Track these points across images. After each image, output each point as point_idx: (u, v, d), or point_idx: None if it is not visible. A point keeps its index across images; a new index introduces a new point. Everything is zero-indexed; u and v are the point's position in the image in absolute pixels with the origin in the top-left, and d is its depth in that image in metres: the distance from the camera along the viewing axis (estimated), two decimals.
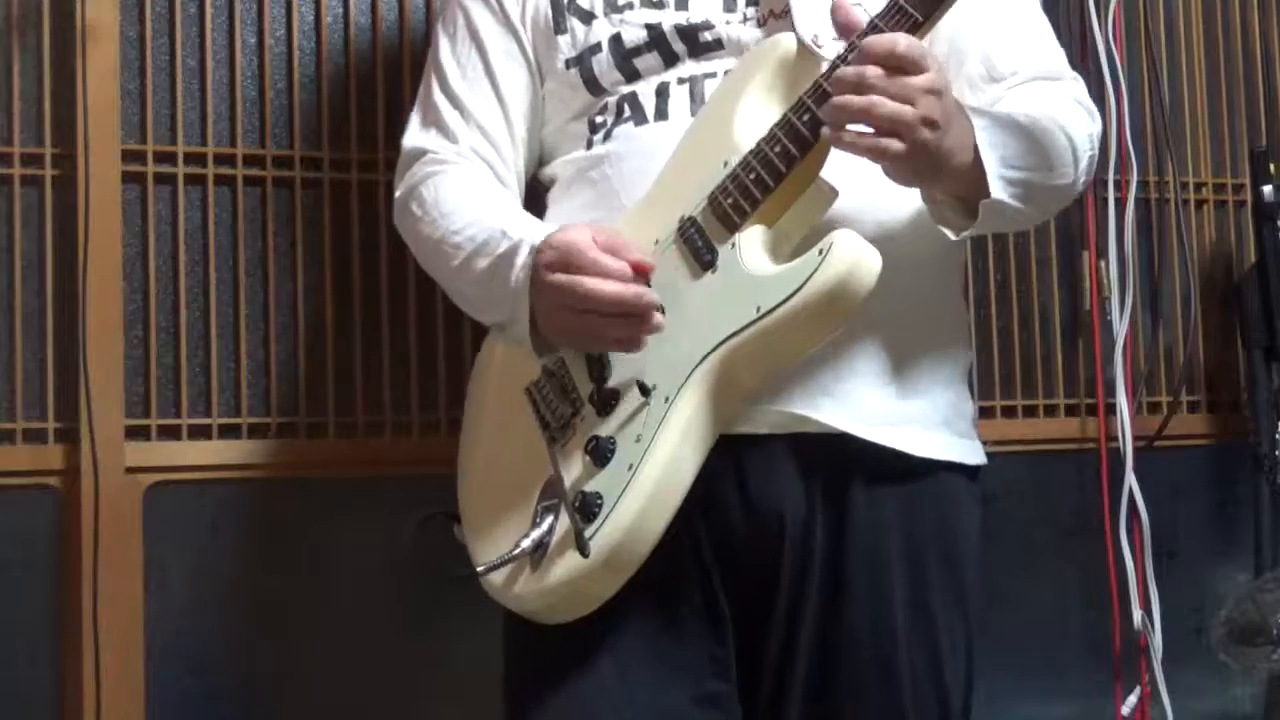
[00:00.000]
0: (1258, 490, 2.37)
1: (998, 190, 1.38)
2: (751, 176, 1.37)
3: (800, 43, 1.40)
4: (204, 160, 1.94)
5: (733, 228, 1.37)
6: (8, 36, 1.88)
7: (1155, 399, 2.43)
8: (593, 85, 1.55)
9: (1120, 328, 2.37)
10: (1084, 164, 1.51)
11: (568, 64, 1.55)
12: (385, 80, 2.01)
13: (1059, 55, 1.61)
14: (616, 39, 1.53)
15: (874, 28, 1.33)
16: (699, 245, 1.39)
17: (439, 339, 2.01)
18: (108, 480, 1.85)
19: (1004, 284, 2.35)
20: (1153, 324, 2.44)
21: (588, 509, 1.37)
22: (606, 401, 1.41)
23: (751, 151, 1.37)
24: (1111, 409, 2.36)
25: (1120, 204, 2.38)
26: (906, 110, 1.29)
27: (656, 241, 1.42)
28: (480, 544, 1.50)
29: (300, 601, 1.95)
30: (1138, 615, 2.33)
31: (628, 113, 1.52)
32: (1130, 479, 2.33)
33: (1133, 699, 2.33)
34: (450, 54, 1.62)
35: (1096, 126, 1.56)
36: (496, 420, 1.55)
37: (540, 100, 1.61)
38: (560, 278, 1.37)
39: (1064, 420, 2.37)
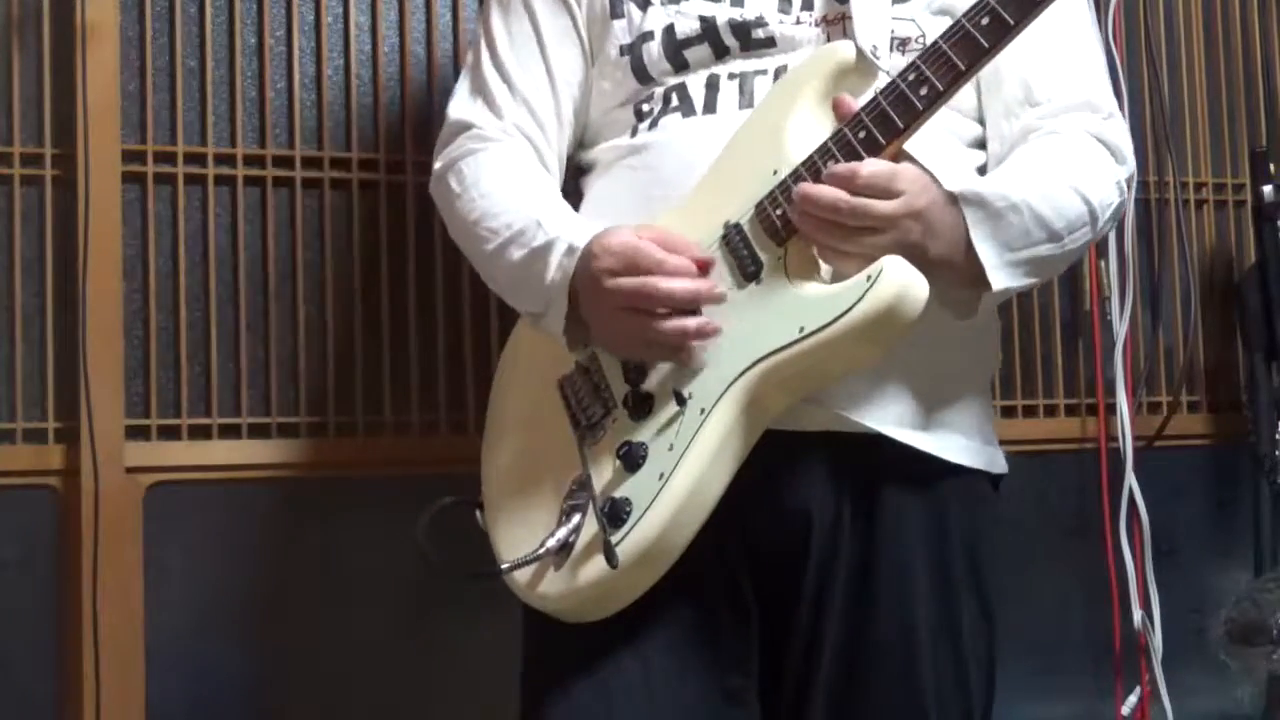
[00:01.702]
0: (1258, 490, 2.37)
1: (1000, 281, 1.37)
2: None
3: (860, 52, 1.38)
4: (204, 160, 1.94)
5: (780, 240, 1.36)
6: (8, 36, 1.88)
7: (1155, 399, 2.43)
8: (641, 74, 1.54)
9: (1120, 328, 2.37)
10: (1105, 220, 1.48)
11: (621, 50, 1.55)
12: (385, 80, 2.01)
13: (1100, 85, 1.55)
14: (669, 29, 1.51)
15: (840, 141, 1.34)
16: (744, 254, 1.37)
17: (439, 340, 2.01)
18: (108, 480, 1.85)
19: None
20: (1153, 324, 2.44)
21: (616, 514, 1.36)
22: (640, 405, 1.39)
23: (804, 163, 1.36)
24: (1111, 409, 2.36)
25: None
26: (880, 239, 1.30)
27: (699, 242, 1.41)
28: (505, 538, 1.49)
29: (300, 602, 1.95)
30: (1138, 615, 2.33)
31: (675, 103, 1.51)
32: (1130, 479, 2.33)
33: (1133, 699, 2.33)
34: (502, 24, 1.61)
35: (1126, 170, 1.52)
36: (525, 413, 1.54)
37: (589, 82, 1.59)
38: (627, 282, 1.36)
39: (1064, 420, 2.36)
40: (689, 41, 1.51)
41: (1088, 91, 1.52)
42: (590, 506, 1.38)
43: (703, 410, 1.34)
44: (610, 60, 1.56)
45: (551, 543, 1.39)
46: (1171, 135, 2.43)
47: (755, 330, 1.34)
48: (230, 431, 1.93)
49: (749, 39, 1.49)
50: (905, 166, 1.33)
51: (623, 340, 1.40)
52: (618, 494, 1.37)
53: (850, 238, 1.31)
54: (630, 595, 1.39)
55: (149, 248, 1.91)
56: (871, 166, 1.31)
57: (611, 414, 1.41)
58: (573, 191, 1.61)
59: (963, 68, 1.31)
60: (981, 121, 1.55)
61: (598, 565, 1.36)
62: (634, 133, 1.53)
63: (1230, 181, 2.51)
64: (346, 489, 1.97)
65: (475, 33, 1.67)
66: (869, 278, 1.28)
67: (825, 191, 1.31)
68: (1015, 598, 2.31)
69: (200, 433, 1.92)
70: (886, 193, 1.30)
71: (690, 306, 1.35)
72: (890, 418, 1.43)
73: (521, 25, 1.59)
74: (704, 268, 1.37)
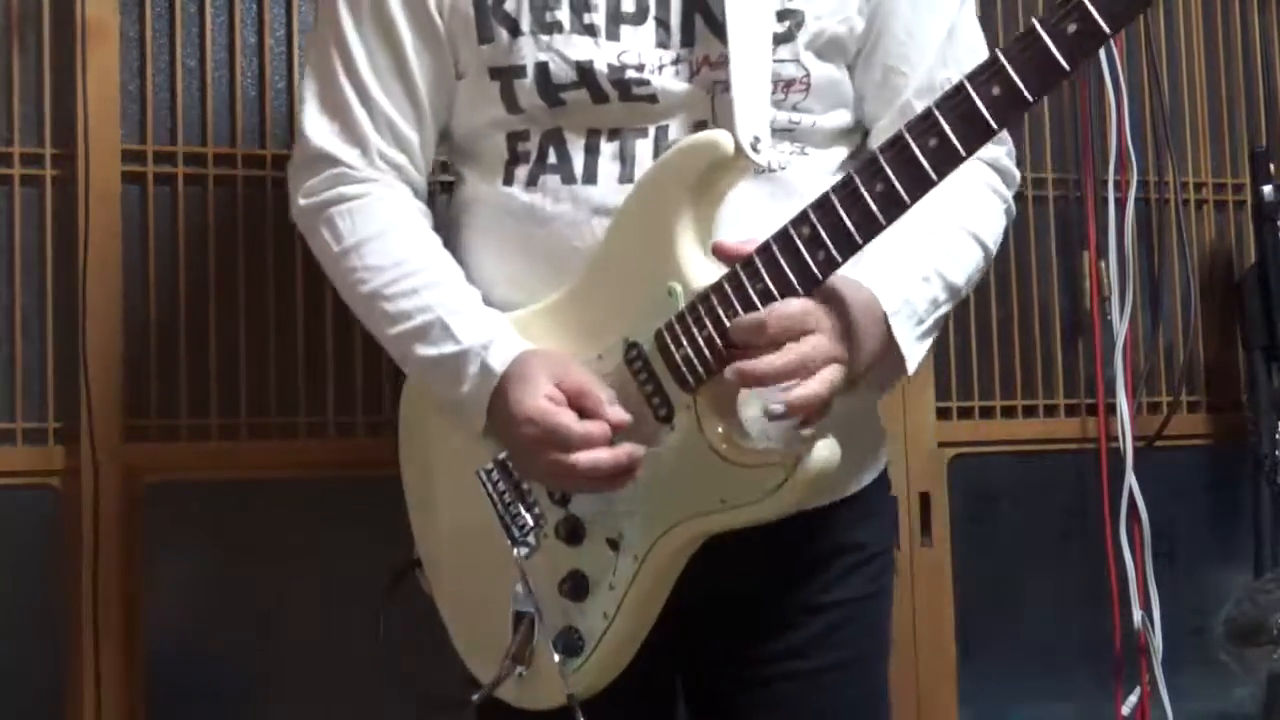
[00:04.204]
0: (1258, 490, 2.37)
1: (914, 365, 1.38)
2: (704, 335, 1.31)
3: (738, 148, 1.33)
4: (204, 160, 1.94)
5: (688, 388, 1.33)
6: (8, 36, 1.88)
7: (1155, 399, 2.43)
8: (512, 105, 1.45)
9: (1120, 328, 2.37)
10: (996, 247, 1.48)
11: (491, 74, 1.45)
12: None
13: None
14: (543, 69, 1.42)
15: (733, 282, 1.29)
16: (650, 390, 1.35)
17: None
18: (108, 480, 1.85)
19: (1004, 284, 2.35)
20: (1153, 324, 2.44)
21: (570, 646, 1.39)
22: (573, 533, 1.40)
23: (699, 298, 1.31)
24: (1111, 409, 2.36)
25: (1120, 204, 2.38)
26: (812, 392, 1.27)
27: (600, 357, 1.38)
28: (454, 618, 1.52)
29: (299, 602, 1.95)
30: (1138, 615, 2.33)
31: (553, 160, 1.44)
32: (1130, 479, 2.33)
33: (1133, 699, 2.33)
34: (356, 33, 1.48)
35: (1012, 191, 1.53)
36: (449, 490, 1.51)
37: (455, 96, 1.51)
38: (554, 458, 1.34)
39: (1064, 420, 2.37)
40: (564, 87, 1.42)
41: None
42: (539, 623, 1.40)
43: (636, 558, 1.37)
44: (477, 81, 1.47)
45: (509, 661, 1.41)
46: (1171, 135, 2.43)
47: (677, 485, 1.34)
48: (230, 431, 1.93)
49: (629, 93, 1.41)
50: (807, 302, 1.28)
51: (546, 480, 1.40)
52: (568, 623, 1.40)
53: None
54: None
55: (149, 248, 1.91)
56: (776, 314, 1.27)
57: (543, 528, 1.41)
58: (437, 192, 1.59)
59: (860, 241, 1.27)
60: (855, 106, 1.51)
61: (558, 685, 1.39)
62: (509, 179, 1.47)
63: (1230, 181, 2.51)
64: (347, 489, 1.97)
65: (321, 25, 1.53)
66: (785, 467, 1.28)
67: (762, 365, 1.26)
68: (1015, 598, 2.33)
69: (200, 433, 1.92)
70: (801, 333, 1.27)
71: (610, 474, 1.34)
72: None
73: (379, 38, 1.48)
74: (619, 429, 1.34)
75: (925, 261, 1.38)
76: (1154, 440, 2.38)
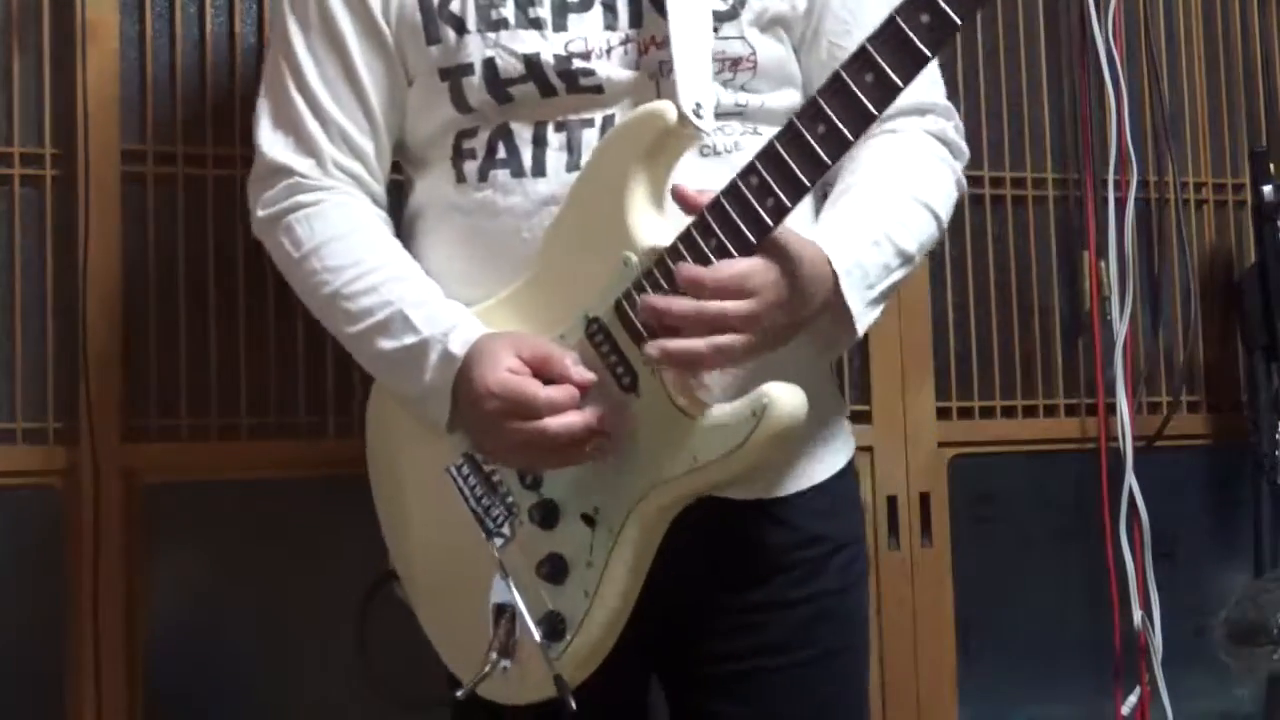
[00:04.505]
0: (1258, 490, 2.37)
1: (864, 325, 1.39)
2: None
3: (681, 115, 1.35)
4: (204, 160, 1.94)
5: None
6: (8, 36, 1.88)
7: (1155, 399, 2.43)
8: (461, 104, 1.47)
9: (1120, 328, 2.37)
10: (948, 217, 1.50)
11: (440, 74, 1.47)
12: None
13: (936, 80, 1.57)
14: (490, 65, 1.44)
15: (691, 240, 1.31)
16: (614, 360, 1.36)
17: None
18: (108, 480, 1.85)
19: (1004, 284, 2.36)
20: (1153, 324, 2.44)
21: (553, 629, 1.39)
22: (547, 516, 1.40)
23: (655, 262, 1.33)
24: (1111, 409, 2.36)
25: (1120, 204, 2.38)
26: (690, 348, 1.29)
27: (562, 336, 1.39)
28: (434, 624, 1.53)
29: (299, 602, 1.95)
30: (1138, 615, 2.33)
31: (502, 154, 1.46)
32: (1130, 479, 2.33)
33: (1133, 699, 2.33)
34: (304, 46, 1.50)
35: (962, 163, 1.55)
36: (420, 495, 1.52)
37: (405, 101, 1.52)
38: (521, 428, 1.34)
39: (1064, 420, 2.37)
40: (512, 81, 1.44)
41: (924, 90, 1.53)
42: (520, 611, 1.41)
43: (612, 531, 1.37)
44: (427, 83, 1.49)
45: (494, 654, 1.42)
46: (1171, 135, 2.43)
47: (647, 451, 1.35)
48: (230, 431, 1.93)
49: (576, 84, 1.43)
50: (755, 262, 1.30)
51: (516, 457, 1.40)
52: (550, 608, 1.40)
53: (709, 345, 1.30)
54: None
55: (149, 248, 1.91)
56: (717, 274, 1.29)
57: (518, 517, 1.42)
58: (393, 201, 1.59)
59: (807, 183, 1.29)
60: (804, 86, 1.53)
61: (542, 675, 1.39)
62: (460, 177, 1.48)
63: (1230, 181, 2.51)
64: (347, 489, 1.97)
65: (272, 41, 1.56)
66: (754, 413, 1.29)
67: (676, 302, 1.29)
68: (1015, 598, 2.33)
69: (200, 433, 1.92)
70: (739, 294, 1.29)
71: (584, 438, 1.35)
72: (764, 486, 1.47)
73: (328, 49, 1.50)
74: (584, 389, 1.35)
75: (877, 227, 1.41)
76: (1154, 440, 2.38)
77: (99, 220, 1.87)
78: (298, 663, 1.95)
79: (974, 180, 2.33)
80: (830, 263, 1.35)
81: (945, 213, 1.49)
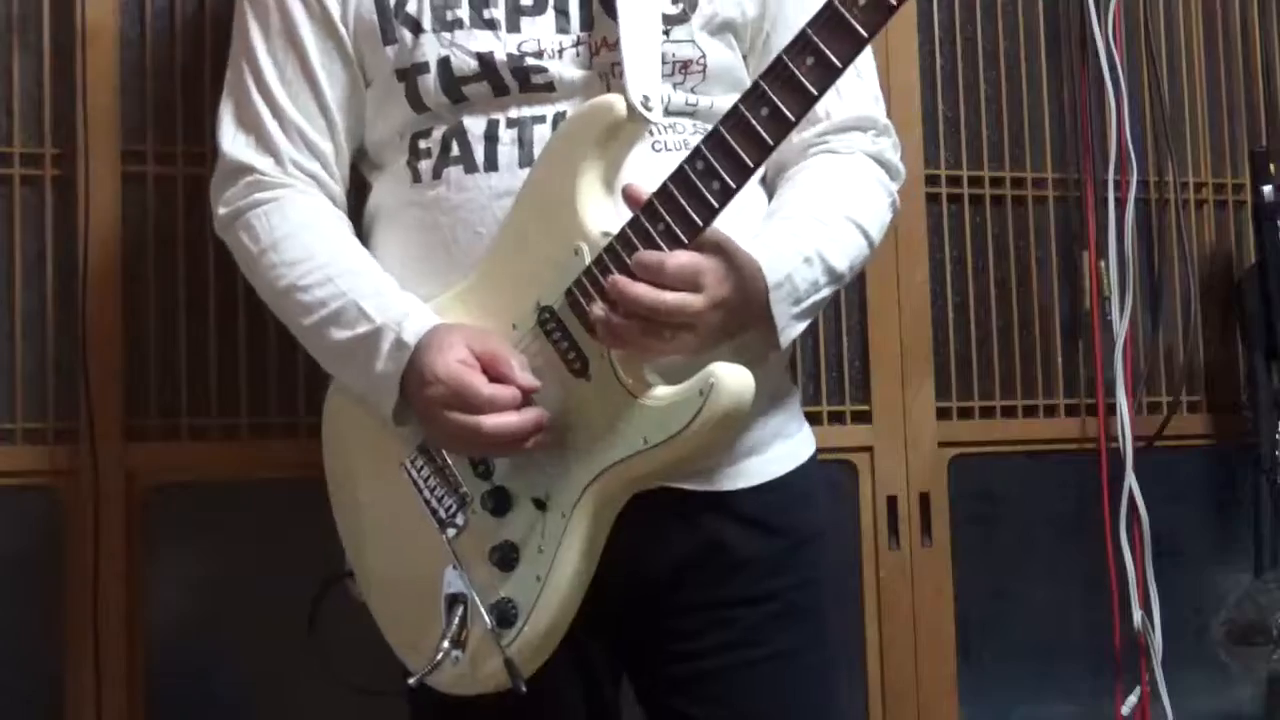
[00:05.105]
0: (1258, 490, 2.37)
1: (788, 339, 1.42)
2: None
3: (630, 107, 1.38)
4: (204, 160, 1.94)
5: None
6: (8, 36, 1.88)
7: (1155, 399, 2.43)
8: (416, 104, 1.49)
9: (1120, 328, 2.37)
10: (880, 238, 1.53)
11: (396, 75, 1.49)
12: None
13: (875, 99, 1.59)
14: (445, 64, 1.47)
15: (641, 230, 1.33)
16: (565, 346, 1.38)
17: None
18: (107, 481, 1.85)
19: (1004, 284, 2.36)
20: (1153, 324, 2.44)
21: (504, 616, 1.41)
22: (499, 504, 1.42)
23: (605, 250, 1.35)
24: (1111, 409, 2.36)
25: (1120, 204, 2.38)
26: (686, 340, 1.33)
27: (514, 326, 1.41)
28: (388, 618, 1.54)
29: (299, 602, 1.95)
30: (1138, 615, 2.33)
31: (455, 152, 1.47)
32: (1130, 479, 2.33)
33: (1133, 699, 2.33)
34: (264, 47, 1.54)
35: (898, 185, 1.58)
36: (374, 491, 1.53)
37: (363, 103, 1.55)
38: (459, 419, 1.37)
39: (1064, 420, 2.37)
40: (466, 79, 1.47)
41: (864, 106, 1.57)
42: (471, 599, 1.42)
43: (563, 514, 1.39)
44: (384, 84, 1.51)
45: (446, 644, 1.43)
46: (1171, 135, 2.43)
47: (597, 434, 1.37)
48: (230, 432, 1.93)
49: (528, 82, 1.46)
50: (704, 259, 1.34)
51: (453, 443, 1.42)
52: (501, 594, 1.41)
53: (659, 333, 1.33)
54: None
55: (149, 248, 1.91)
56: (677, 260, 1.32)
57: (470, 506, 1.44)
58: (354, 206, 1.60)
59: (750, 164, 1.31)
60: None
61: (495, 663, 1.41)
62: (416, 176, 1.50)
63: (1230, 181, 2.51)
64: None
65: (235, 44, 1.59)
66: (701, 392, 1.31)
67: (642, 290, 1.31)
68: (1015, 598, 2.33)
69: (200, 433, 1.92)
70: (693, 287, 1.32)
71: (519, 439, 1.37)
72: (727, 476, 1.48)
73: (287, 52, 1.53)
74: (528, 394, 1.37)
75: (809, 245, 1.43)
76: (1154, 440, 2.38)
77: (99, 220, 1.87)
78: (298, 664, 1.94)
79: (974, 180, 2.34)
80: (764, 275, 1.38)
81: (877, 234, 1.52)
